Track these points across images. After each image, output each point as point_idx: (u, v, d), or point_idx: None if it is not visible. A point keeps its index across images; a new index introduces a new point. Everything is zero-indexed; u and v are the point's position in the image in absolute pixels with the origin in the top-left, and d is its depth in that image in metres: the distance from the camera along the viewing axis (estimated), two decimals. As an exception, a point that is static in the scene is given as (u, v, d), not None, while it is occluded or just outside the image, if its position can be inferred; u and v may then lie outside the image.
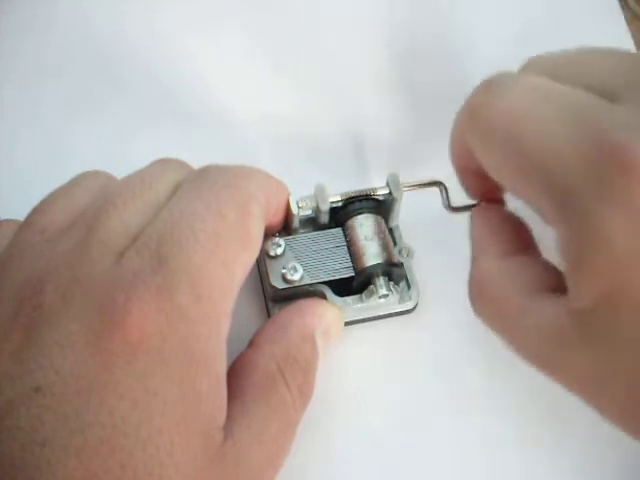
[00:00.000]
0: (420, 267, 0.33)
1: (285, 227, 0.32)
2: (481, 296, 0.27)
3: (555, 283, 0.24)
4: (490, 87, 0.26)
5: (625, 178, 0.21)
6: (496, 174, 0.25)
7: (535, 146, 0.23)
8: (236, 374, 0.27)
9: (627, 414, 0.23)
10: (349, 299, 0.31)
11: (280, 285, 0.31)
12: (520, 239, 0.27)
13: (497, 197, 0.29)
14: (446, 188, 0.32)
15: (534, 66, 0.26)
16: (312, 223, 0.32)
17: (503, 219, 0.28)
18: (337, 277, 0.31)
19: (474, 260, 0.28)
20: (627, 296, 0.21)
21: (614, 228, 0.21)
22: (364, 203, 0.32)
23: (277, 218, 0.31)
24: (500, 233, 0.27)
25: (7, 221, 0.29)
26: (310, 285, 0.31)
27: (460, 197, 0.31)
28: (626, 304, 0.21)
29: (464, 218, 0.30)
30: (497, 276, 0.26)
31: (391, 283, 0.31)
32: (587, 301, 0.22)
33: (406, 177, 0.32)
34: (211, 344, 0.25)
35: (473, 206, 0.30)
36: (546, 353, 0.24)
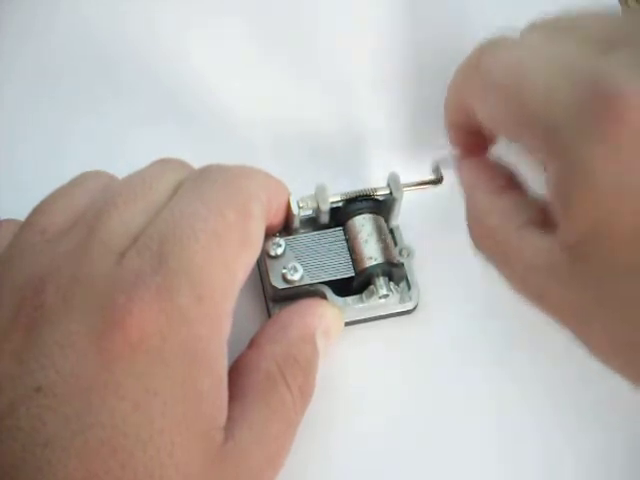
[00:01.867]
0: (420, 267, 0.33)
1: (285, 227, 0.32)
2: (479, 230, 0.27)
3: (548, 217, 0.25)
4: (492, 43, 0.27)
5: (609, 118, 0.22)
6: (492, 122, 0.27)
7: (532, 95, 0.24)
8: (236, 374, 0.27)
9: (613, 349, 0.24)
10: (349, 299, 0.31)
11: (280, 285, 0.31)
12: (509, 178, 0.28)
13: (483, 153, 0.30)
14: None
15: (535, 25, 0.27)
16: (312, 223, 0.32)
17: (490, 163, 0.29)
18: (337, 277, 0.31)
19: (468, 199, 0.28)
20: (611, 229, 0.22)
21: (598, 164, 0.22)
22: (364, 203, 0.32)
23: (277, 218, 0.31)
24: (489, 172, 0.28)
25: (7, 221, 0.29)
26: (310, 285, 0.31)
27: (460, 200, 0.31)
28: (611, 237, 0.22)
29: (464, 218, 0.30)
30: (492, 210, 0.27)
31: (391, 283, 0.31)
32: (575, 236, 0.23)
33: (406, 177, 0.32)
34: (212, 345, 0.25)
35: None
36: (540, 287, 0.25)
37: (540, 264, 0.24)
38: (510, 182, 0.28)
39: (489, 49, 0.27)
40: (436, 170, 0.32)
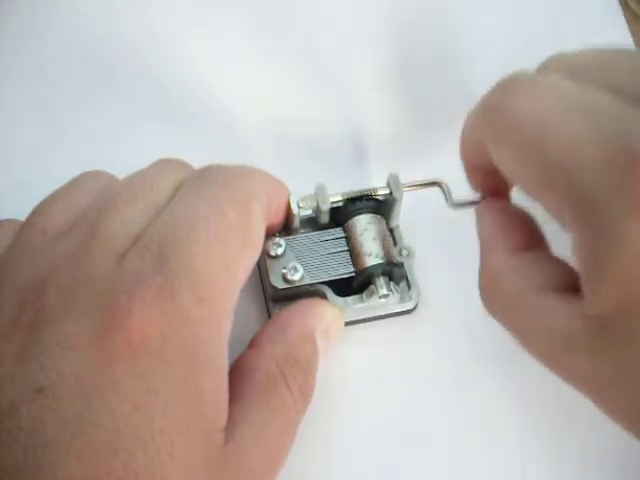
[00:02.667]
0: (420, 267, 0.33)
1: (285, 227, 0.32)
2: (491, 291, 0.26)
3: (568, 282, 0.24)
4: (509, 86, 0.25)
5: None
6: (511, 175, 0.25)
7: (556, 148, 0.22)
8: (237, 375, 0.27)
9: (637, 420, 0.23)
10: (349, 299, 0.31)
11: (280, 285, 0.31)
12: (530, 235, 0.27)
13: (504, 194, 0.29)
14: (447, 186, 0.31)
15: (553, 65, 0.26)
16: (312, 223, 0.32)
17: (511, 214, 0.28)
18: (337, 277, 0.31)
19: (483, 255, 0.27)
20: None
21: (633, 233, 0.20)
22: (364, 203, 0.32)
23: (278, 218, 0.31)
24: (509, 228, 0.27)
25: (7, 221, 0.29)
26: (310, 285, 0.31)
27: (461, 194, 0.30)
28: None
29: (465, 218, 0.30)
30: (508, 272, 0.25)
31: (391, 283, 0.31)
32: (603, 308, 0.21)
33: (406, 177, 0.32)
34: (213, 345, 0.25)
35: (477, 203, 0.29)
36: (556, 354, 0.24)
37: (558, 332, 0.23)
38: (531, 240, 0.26)
39: (506, 93, 0.25)
40: (451, 201, 0.31)
